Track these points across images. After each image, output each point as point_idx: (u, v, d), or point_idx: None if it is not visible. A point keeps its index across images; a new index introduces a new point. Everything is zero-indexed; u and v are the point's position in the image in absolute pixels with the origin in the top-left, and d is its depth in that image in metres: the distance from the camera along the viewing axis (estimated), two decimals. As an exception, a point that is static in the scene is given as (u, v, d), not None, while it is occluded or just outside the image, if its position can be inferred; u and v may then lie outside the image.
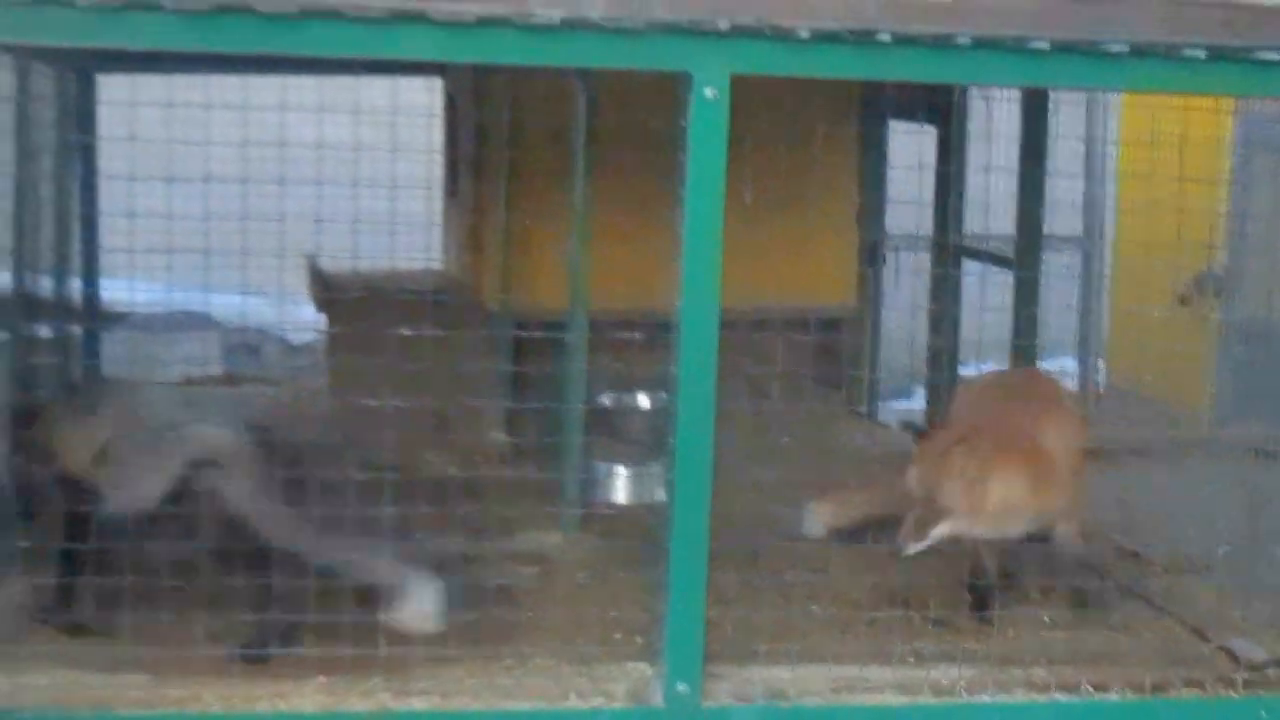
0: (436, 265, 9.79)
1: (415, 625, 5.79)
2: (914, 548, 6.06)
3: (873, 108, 8.85)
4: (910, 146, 8.65)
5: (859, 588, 6.45)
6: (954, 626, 6.30)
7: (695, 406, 5.40)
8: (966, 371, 8.58)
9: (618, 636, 5.97)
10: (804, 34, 5.30)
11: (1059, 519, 6.41)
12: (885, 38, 5.34)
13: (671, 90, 5.40)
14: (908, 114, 8.77)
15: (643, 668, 5.68)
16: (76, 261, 8.63)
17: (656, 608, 5.67)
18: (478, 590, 6.21)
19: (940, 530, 6.06)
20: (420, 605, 5.82)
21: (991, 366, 8.26)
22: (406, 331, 6.14)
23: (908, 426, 6.40)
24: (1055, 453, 6.34)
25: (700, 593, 5.49)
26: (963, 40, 5.40)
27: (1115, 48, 5.45)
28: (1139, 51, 5.46)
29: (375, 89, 7.90)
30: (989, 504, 6.11)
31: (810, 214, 8.18)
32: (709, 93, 5.29)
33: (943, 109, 8.32)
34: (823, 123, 7.43)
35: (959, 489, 6.04)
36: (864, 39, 5.33)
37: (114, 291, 9.25)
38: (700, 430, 5.42)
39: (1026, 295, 8.09)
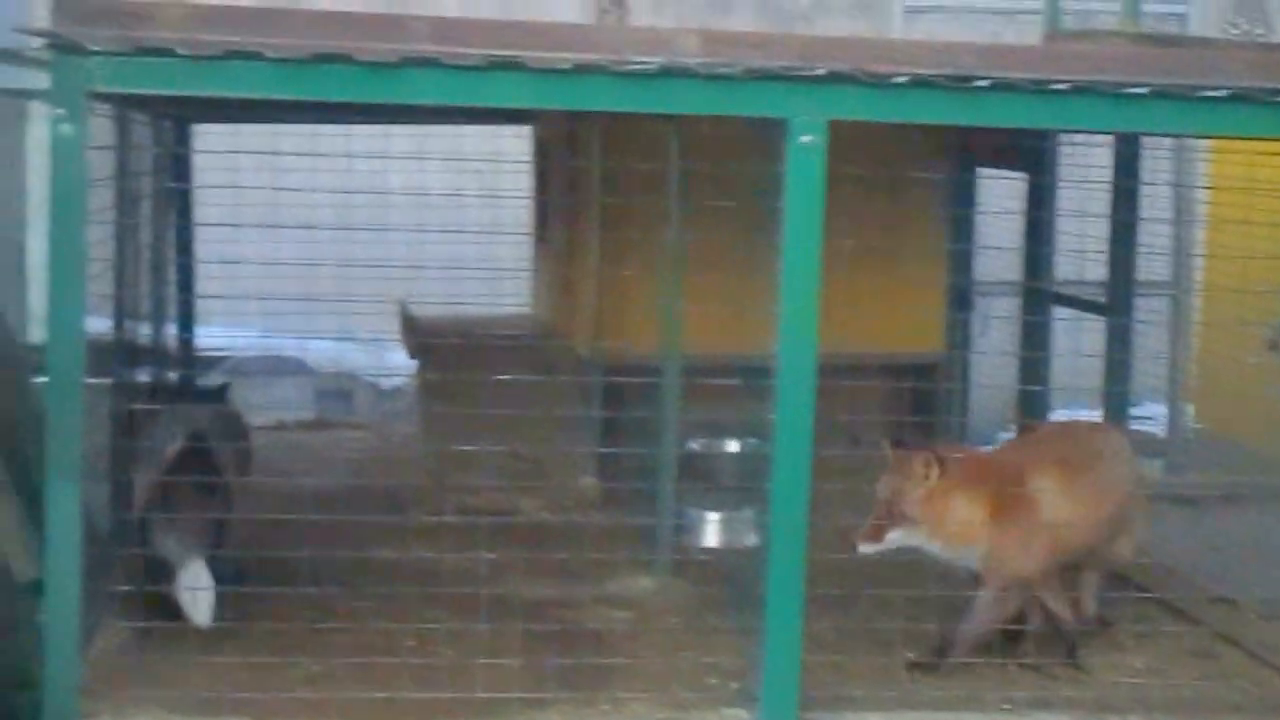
0: (527, 310, 9.83)
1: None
2: (869, 549, 6.08)
3: (960, 154, 8.84)
4: (998, 192, 8.64)
5: (952, 634, 6.41)
6: (1048, 673, 6.24)
7: (792, 451, 5.42)
8: (1057, 417, 8.52)
9: (712, 681, 5.96)
10: (901, 80, 5.32)
11: (992, 571, 6.23)
12: (983, 83, 5.35)
13: (764, 136, 5.44)
14: (996, 160, 8.75)
15: (739, 713, 5.67)
16: (173, 308, 8.71)
17: (751, 653, 5.67)
18: (573, 635, 6.21)
19: (895, 536, 6.07)
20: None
21: (1083, 413, 8.22)
22: (499, 376, 6.16)
23: (893, 439, 6.37)
24: (1039, 506, 6.19)
25: (796, 638, 5.50)
26: (1060, 86, 5.41)
27: (1213, 93, 5.44)
28: (1237, 97, 5.45)
29: (463, 137, 7.95)
30: (948, 520, 6.10)
31: (898, 259, 8.18)
32: (805, 139, 5.33)
33: (1033, 154, 8.30)
34: (910, 168, 7.43)
35: (920, 498, 6.06)
36: (961, 85, 5.35)
37: (210, 338, 9.33)
38: (797, 475, 5.43)
39: (1119, 341, 8.04)
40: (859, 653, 6.18)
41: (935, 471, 6.06)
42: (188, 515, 6.19)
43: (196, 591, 6.03)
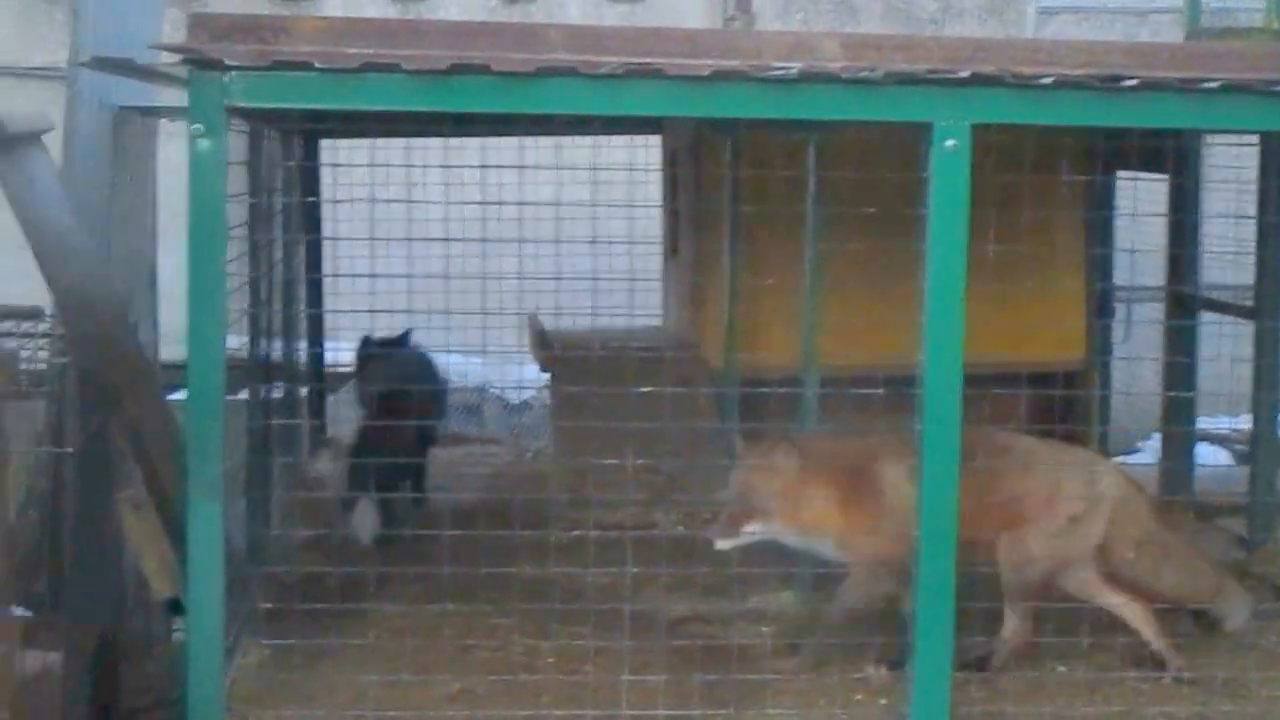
0: (659, 323, 9.74)
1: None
2: (725, 544, 6.02)
3: (1100, 157, 8.67)
4: (1139, 195, 8.47)
5: (1107, 648, 6.26)
6: (1206, 687, 6.07)
7: (939, 463, 5.30)
8: (1204, 425, 8.35)
9: (859, 698, 5.87)
10: (1046, 81, 5.19)
11: (857, 561, 6.14)
12: (1130, 83, 5.21)
13: (902, 142, 5.33)
14: (1137, 162, 8.58)
15: (888, 730, 5.57)
16: (304, 323, 8.71)
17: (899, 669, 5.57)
18: (717, 651, 6.12)
19: (752, 529, 6.01)
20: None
21: (1226, 420, 8.05)
22: (634, 389, 6.08)
23: (745, 431, 6.25)
24: (885, 492, 6.05)
25: (946, 653, 5.38)
26: (1210, 85, 5.26)
27: (1372, 88, 5.27)
28: (1399, 92, 5.28)
29: (586, 148, 7.89)
30: (803, 510, 6.02)
31: (1040, 265, 8.02)
32: (950, 143, 5.21)
33: (1176, 156, 8.12)
34: (1048, 172, 7.29)
35: (778, 490, 5.99)
36: (1108, 86, 5.21)
37: (342, 353, 9.32)
38: (945, 487, 5.31)
39: (1267, 346, 7.85)
40: (1009, 667, 6.05)
41: (794, 462, 5.97)
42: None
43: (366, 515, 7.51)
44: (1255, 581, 7.11)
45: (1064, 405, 8.07)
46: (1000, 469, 6.08)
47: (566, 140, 8.14)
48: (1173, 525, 6.57)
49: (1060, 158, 7.63)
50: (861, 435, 6.50)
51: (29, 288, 6.36)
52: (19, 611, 6.00)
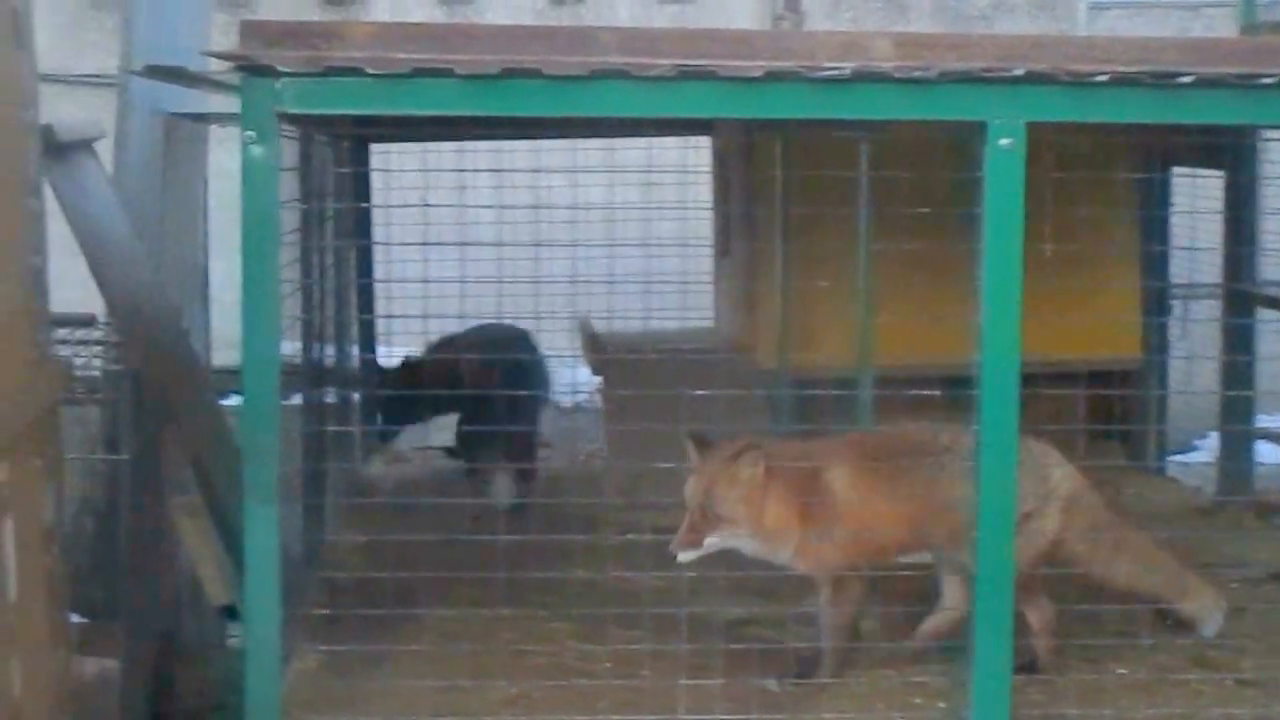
0: (709, 324, 9.71)
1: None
2: (688, 555, 5.89)
3: (1152, 154, 8.61)
4: (1194, 192, 8.42)
5: (1166, 649, 6.21)
6: (1268, 689, 6.00)
7: (997, 463, 5.26)
8: (1263, 423, 8.28)
9: (918, 701, 5.84)
10: (1101, 79, 5.14)
11: (809, 568, 6.06)
12: (1186, 80, 5.15)
13: (955, 141, 5.29)
14: (1191, 159, 8.52)
15: (946, 734, 5.53)
16: (355, 328, 8.72)
17: (958, 672, 5.52)
18: (774, 654, 6.09)
19: (714, 539, 5.87)
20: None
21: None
22: (687, 391, 6.06)
23: (693, 435, 6.13)
24: (835, 496, 5.97)
25: (1006, 656, 5.34)
26: (1267, 80, 5.20)
27: None
28: None
29: (633, 150, 7.88)
30: (767, 517, 5.88)
31: (1094, 263, 7.97)
32: (1004, 142, 5.16)
33: (1232, 152, 8.05)
34: (1104, 169, 7.24)
35: (740, 497, 5.85)
36: (1164, 83, 5.16)
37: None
38: (1002, 487, 5.27)
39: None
40: (1070, 670, 6.01)
41: (760, 468, 5.86)
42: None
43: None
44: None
45: (1121, 404, 8.03)
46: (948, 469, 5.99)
47: (617, 142, 8.12)
48: (1130, 522, 6.49)
49: (1116, 155, 7.59)
50: (816, 437, 6.45)
51: (81, 294, 6.37)
52: (76, 618, 6.01)
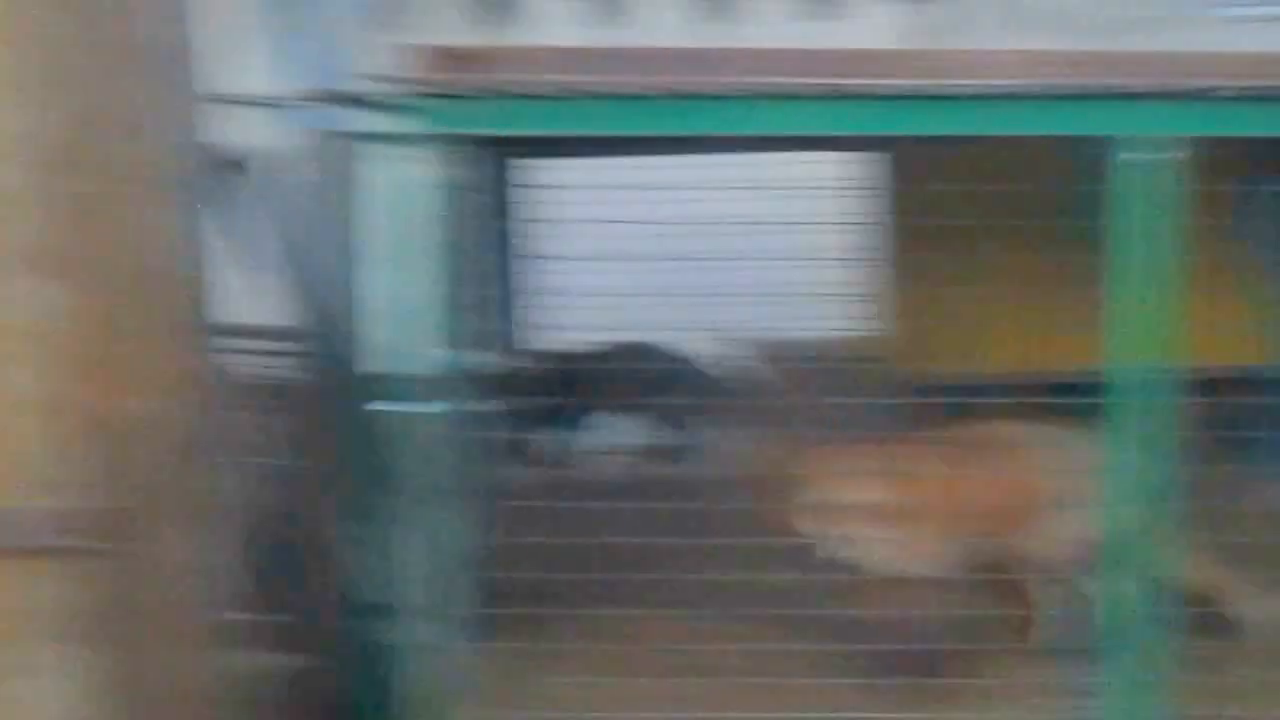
0: (848, 334, 9.83)
1: None
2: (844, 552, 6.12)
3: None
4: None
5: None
6: None
7: (1124, 470, 5.40)
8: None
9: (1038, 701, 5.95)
10: (1227, 93, 5.27)
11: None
12: (1310, 93, 5.28)
13: (1083, 154, 5.43)
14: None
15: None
16: (497, 337, 8.93)
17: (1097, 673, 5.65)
18: (901, 654, 6.25)
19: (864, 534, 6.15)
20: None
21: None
22: (834, 400, 6.21)
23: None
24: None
25: (1133, 654, 5.47)
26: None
27: None
28: None
29: (773, 164, 8.03)
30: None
31: (1220, 273, 8.03)
32: (1131, 156, 5.30)
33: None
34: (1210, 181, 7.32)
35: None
36: (1285, 96, 5.28)
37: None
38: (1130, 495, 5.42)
39: None
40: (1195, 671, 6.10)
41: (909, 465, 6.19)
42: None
43: None
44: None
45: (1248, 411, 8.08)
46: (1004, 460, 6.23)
47: (752, 157, 8.28)
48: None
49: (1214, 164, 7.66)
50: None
51: (249, 305, 6.60)
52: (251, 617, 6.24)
